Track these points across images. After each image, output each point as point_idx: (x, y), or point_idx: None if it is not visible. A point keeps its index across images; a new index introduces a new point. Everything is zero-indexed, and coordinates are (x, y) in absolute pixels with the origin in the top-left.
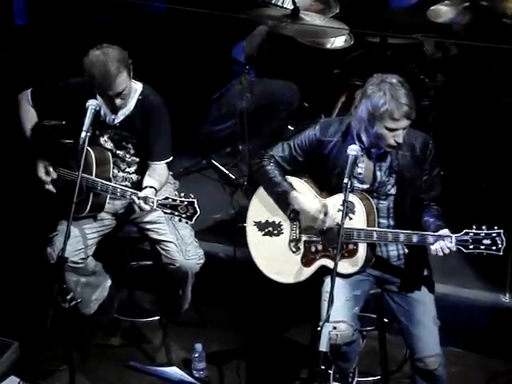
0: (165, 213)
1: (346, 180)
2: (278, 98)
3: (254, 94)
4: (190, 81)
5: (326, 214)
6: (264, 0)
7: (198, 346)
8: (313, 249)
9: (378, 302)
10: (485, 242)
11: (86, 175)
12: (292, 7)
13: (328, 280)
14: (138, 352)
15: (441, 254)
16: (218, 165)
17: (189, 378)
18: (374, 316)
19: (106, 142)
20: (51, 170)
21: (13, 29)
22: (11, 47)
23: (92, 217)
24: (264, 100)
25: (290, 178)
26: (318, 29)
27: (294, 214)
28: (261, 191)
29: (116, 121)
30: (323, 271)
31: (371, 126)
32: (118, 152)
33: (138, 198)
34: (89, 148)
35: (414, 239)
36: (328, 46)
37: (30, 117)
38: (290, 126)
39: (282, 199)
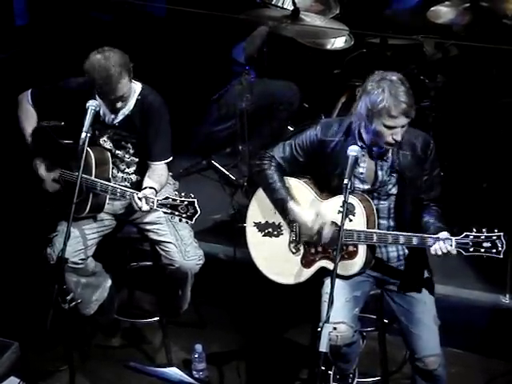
0: (165, 213)
1: (346, 181)
2: (278, 99)
3: (254, 95)
4: (190, 81)
5: (322, 227)
6: (264, 1)
7: (198, 347)
8: (312, 250)
9: (378, 302)
10: (485, 244)
11: (85, 175)
12: (292, 8)
13: (328, 281)
14: (138, 352)
15: (440, 253)
16: (218, 165)
17: (189, 379)
18: (374, 317)
19: (105, 141)
20: (51, 170)
21: (13, 29)
22: (11, 47)
23: (92, 217)
24: (264, 100)
25: (291, 180)
26: (318, 29)
27: (291, 222)
28: (261, 192)
29: (115, 120)
30: (323, 272)
31: (370, 122)
32: (117, 152)
33: (138, 198)
34: (88, 148)
35: (414, 241)
36: (328, 46)
37: (29, 117)
38: (289, 127)
39: (279, 207)
